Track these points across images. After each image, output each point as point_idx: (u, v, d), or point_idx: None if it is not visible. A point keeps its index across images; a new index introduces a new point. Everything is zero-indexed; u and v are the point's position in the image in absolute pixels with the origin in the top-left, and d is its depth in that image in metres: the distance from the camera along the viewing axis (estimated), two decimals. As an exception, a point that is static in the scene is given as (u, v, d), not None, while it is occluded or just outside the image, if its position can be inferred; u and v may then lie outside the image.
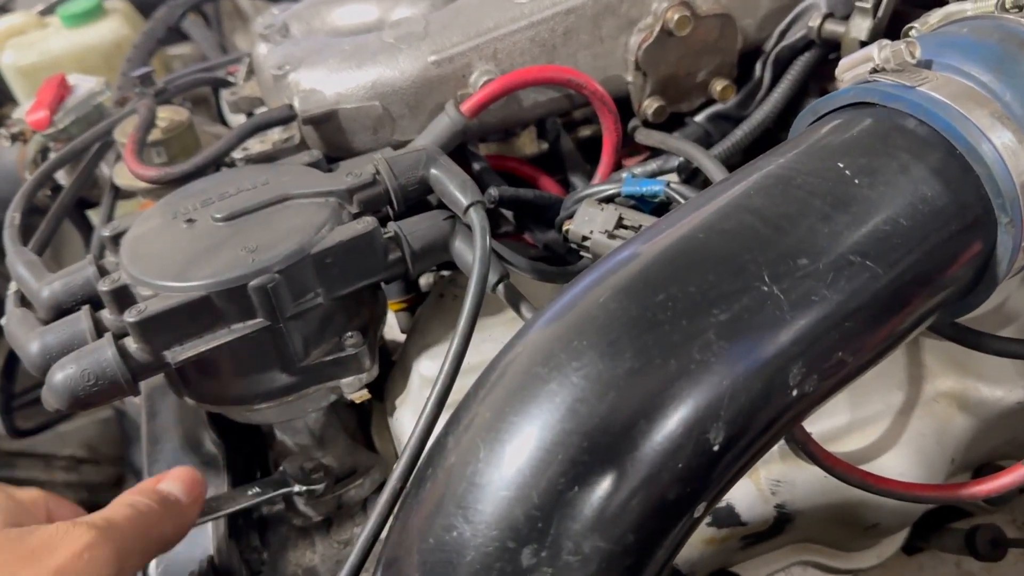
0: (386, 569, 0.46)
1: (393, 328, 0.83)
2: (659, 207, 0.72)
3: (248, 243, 0.62)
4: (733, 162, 0.77)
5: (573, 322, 0.45)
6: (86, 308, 0.63)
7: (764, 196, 0.48)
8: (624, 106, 0.81)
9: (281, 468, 0.69)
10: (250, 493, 0.67)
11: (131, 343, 0.60)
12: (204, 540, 0.67)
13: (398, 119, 0.77)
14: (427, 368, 0.68)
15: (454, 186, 0.65)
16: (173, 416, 0.75)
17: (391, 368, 0.75)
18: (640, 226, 0.68)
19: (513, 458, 0.42)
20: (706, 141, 0.81)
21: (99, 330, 0.62)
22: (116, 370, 0.59)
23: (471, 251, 0.65)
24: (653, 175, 0.74)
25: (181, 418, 0.75)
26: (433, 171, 0.67)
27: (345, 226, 0.63)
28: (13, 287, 0.70)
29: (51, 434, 1.77)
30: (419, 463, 0.47)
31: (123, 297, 0.62)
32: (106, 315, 0.63)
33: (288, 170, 0.69)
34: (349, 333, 0.66)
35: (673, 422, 0.42)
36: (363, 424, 0.79)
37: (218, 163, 0.76)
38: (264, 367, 0.64)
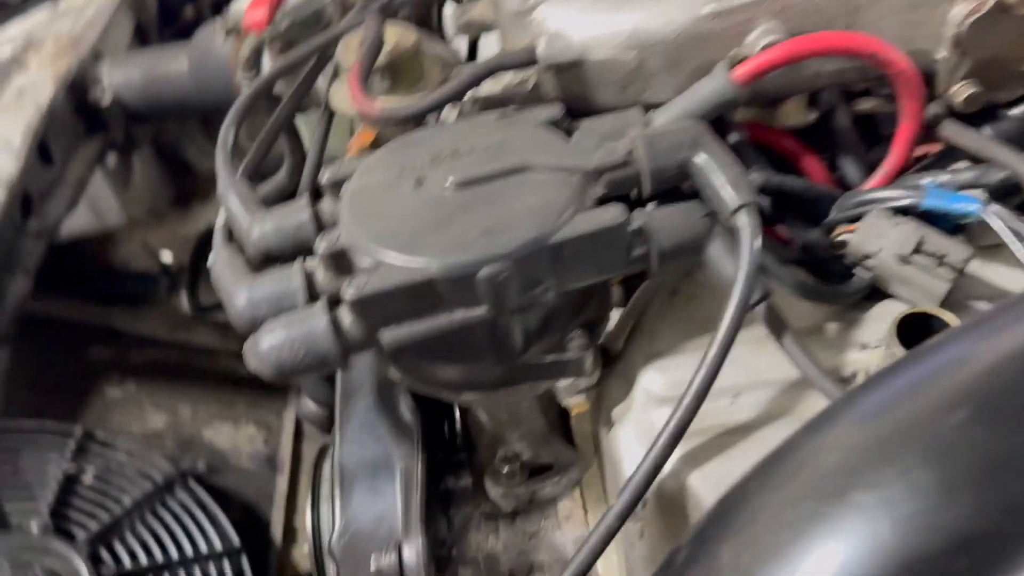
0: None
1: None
2: (958, 228, 0.59)
3: (481, 222, 0.54)
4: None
5: (911, 441, 0.35)
6: (299, 265, 0.58)
7: None
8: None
9: None
10: None
11: (345, 316, 0.54)
12: (391, 518, 0.63)
13: (653, 76, 0.66)
14: (654, 383, 0.60)
15: (723, 180, 0.55)
16: (370, 371, 0.71)
17: (606, 361, 0.67)
18: (944, 256, 0.55)
19: (813, 607, 0.33)
20: (1022, 141, 0.66)
21: (311, 290, 0.57)
22: (327, 345, 0.54)
23: (730, 260, 0.56)
24: (964, 188, 0.60)
25: (378, 371, 0.70)
26: (698, 156, 0.56)
27: (589, 214, 0.55)
28: (222, 219, 0.66)
29: (230, 305, 1.83)
30: (676, 559, 0.39)
31: (341, 261, 0.56)
32: (320, 274, 0.58)
33: (526, 131, 0.61)
34: (574, 334, 0.58)
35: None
36: (563, 412, 0.72)
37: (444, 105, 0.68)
38: (479, 358, 0.58)
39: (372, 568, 0.60)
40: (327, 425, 1.80)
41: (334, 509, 0.65)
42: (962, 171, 0.61)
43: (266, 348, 0.54)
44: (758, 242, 0.52)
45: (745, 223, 0.53)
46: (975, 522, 0.32)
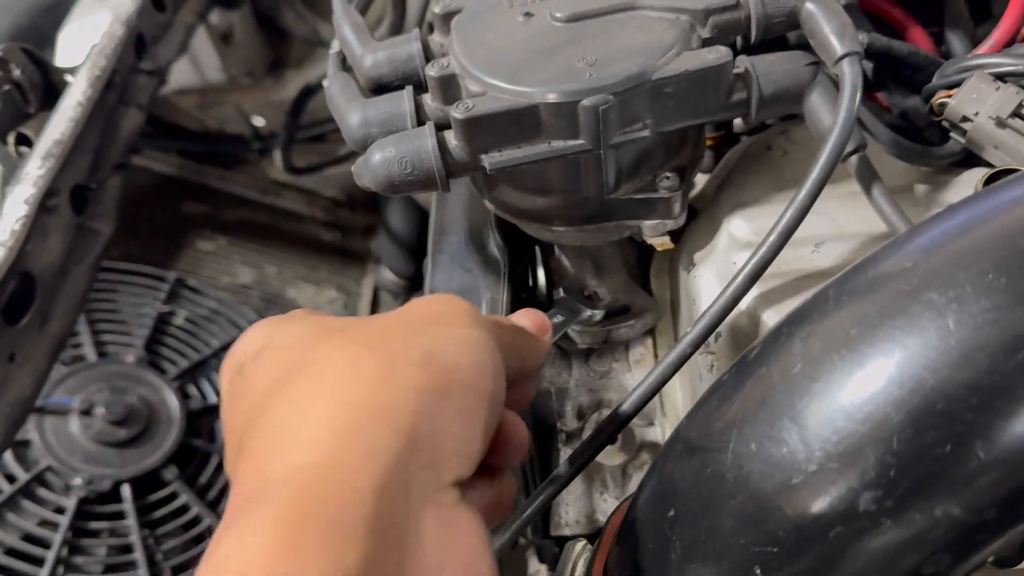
0: (685, 452, 0.43)
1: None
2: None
3: (587, 54, 0.56)
4: None
5: (991, 247, 0.37)
6: (409, 89, 0.61)
7: None
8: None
9: (562, 296, 0.66)
10: (555, 322, 0.64)
11: (451, 138, 0.58)
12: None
13: (768, -71, 0.66)
14: (739, 229, 0.62)
15: (831, 28, 0.55)
16: (462, 209, 0.75)
17: (692, 215, 0.69)
18: (1044, 120, 0.55)
19: (878, 391, 0.36)
20: None
21: (419, 115, 0.60)
22: (433, 163, 0.57)
23: (829, 110, 0.57)
24: (1074, 57, 0.60)
25: (469, 212, 0.74)
26: (809, 4, 0.57)
27: (693, 53, 0.56)
28: (335, 47, 0.69)
29: (317, 175, 1.89)
30: (750, 354, 0.43)
31: (449, 87, 0.59)
32: (428, 100, 0.61)
33: (638, -27, 0.62)
34: (666, 174, 0.60)
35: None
36: (642, 262, 0.75)
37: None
38: (572, 191, 0.60)
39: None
40: (403, 294, 1.86)
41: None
42: (1075, 40, 0.61)
43: (377, 161, 0.58)
44: (859, 91, 0.53)
45: (848, 71, 0.54)
46: (1043, 321, 0.34)
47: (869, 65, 0.67)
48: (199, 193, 1.78)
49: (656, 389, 0.55)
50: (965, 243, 0.38)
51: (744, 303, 0.57)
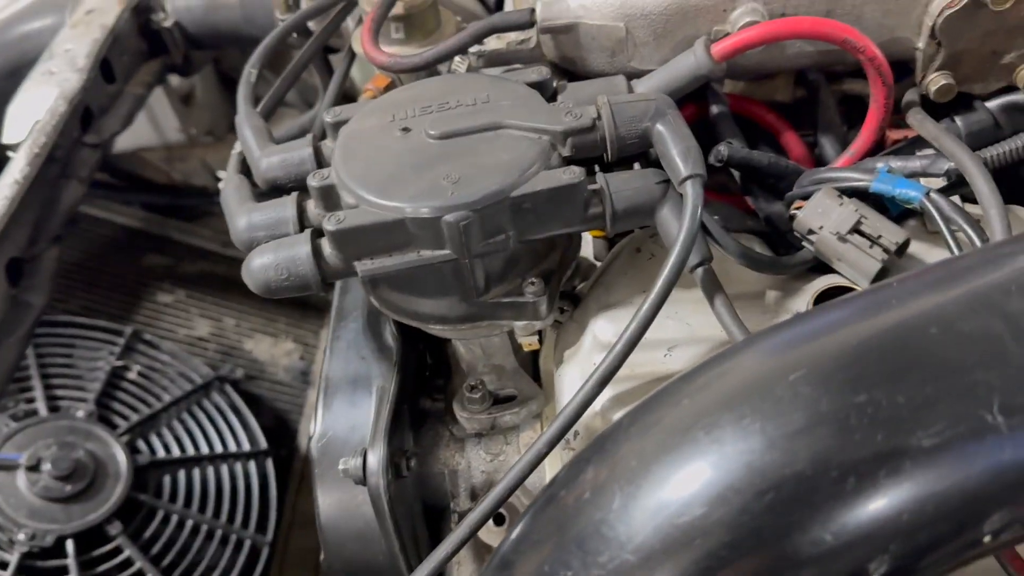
0: (499, 567, 0.46)
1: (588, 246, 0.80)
2: (906, 213, 0.63)
3: (452, 171, 0.60)
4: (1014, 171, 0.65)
5: (751, 392, 0.40)
6: (294, 196, 0.65)
7: (1027, 302, 0.39)
8: (902, 70, 0.69)
9: None
10: None
11: (326, 246, 0.61)
12: (364, 428, 0.70)
13: (640, 46, 0.70)
14: (603, 331, 0.65)
15: (676, 151, 0.59)
16: (363, 295, 0.78)
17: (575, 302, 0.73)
18: (879, 236, 0.59)
19: (647, 524, 0.39)
20: (993, 134, 0.68)
21: (302, 220, 0.64)
22: (308, 270, 0.61)
23: (677, 224, 0.60)
24: (914, 175, 0.64)
25: (369, 300, 0.77)
26: (658, 127, 0.61)
27: (550, 173, 0.60)
28: (237, 148, 0.73)
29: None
30: (560, 475, 0.46)
31: (329, 196, 0.62)
32: (311, 206, 0.64)
33: (510, 91, 0.66)
34: (531, 279, 0.64)
35: (832, 543, 0.37)
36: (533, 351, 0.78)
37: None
38: (443, 294, 0.64)
39: (340, 468, 0.68)
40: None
41: (316, 416, 0.73)
42: (913, 158, 0.65)
43: (256, 267, 0.61)
44: (699, 210, 0.57)
45: (691, 192, 0.58)
46: (785, 466, 0.38)
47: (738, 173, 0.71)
48: (161, 245, 1.81)
49: (512, 490, 0.58)
50: (734, 384, 0.41)
51: (598, 404, 0.61)
